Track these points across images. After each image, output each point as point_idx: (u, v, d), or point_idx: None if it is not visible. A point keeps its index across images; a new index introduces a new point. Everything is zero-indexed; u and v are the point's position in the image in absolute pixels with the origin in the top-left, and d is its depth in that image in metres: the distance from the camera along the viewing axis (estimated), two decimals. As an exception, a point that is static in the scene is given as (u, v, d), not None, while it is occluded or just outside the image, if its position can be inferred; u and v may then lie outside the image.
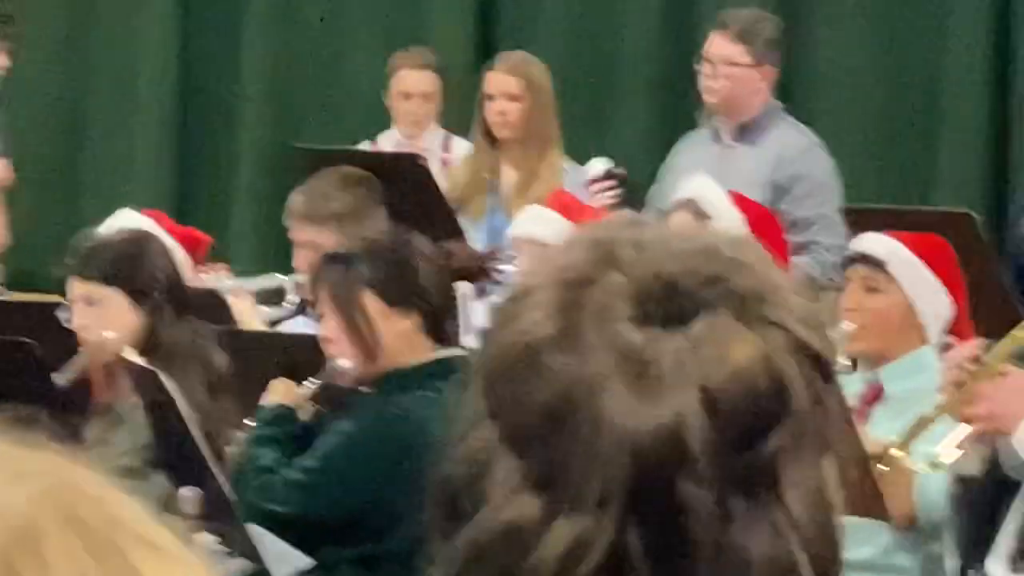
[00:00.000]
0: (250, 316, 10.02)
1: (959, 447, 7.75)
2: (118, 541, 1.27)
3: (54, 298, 8.97)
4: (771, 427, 1.87)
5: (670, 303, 1.90)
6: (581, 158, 12.00)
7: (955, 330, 8.57)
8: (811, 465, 1.91)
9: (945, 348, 8.50)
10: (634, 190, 11.27)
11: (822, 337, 1.95)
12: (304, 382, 8.55)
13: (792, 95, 13.08)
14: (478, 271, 9.53)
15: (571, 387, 1.87)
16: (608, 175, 11.26)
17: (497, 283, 10.01)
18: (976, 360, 7.76)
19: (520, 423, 1.90)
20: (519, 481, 1.89)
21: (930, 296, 8.51)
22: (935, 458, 7.82)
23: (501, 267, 10.09)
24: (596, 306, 1.90)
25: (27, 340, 8.33)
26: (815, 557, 1.89)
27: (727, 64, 11.45)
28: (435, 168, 11.42)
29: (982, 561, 7.91)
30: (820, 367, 1.91)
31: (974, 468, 7.82)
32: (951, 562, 8.20)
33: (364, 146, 12.12)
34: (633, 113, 13.44)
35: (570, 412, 1.87)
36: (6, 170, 12.62)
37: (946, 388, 7.82)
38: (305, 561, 7.85)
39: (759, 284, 1.93)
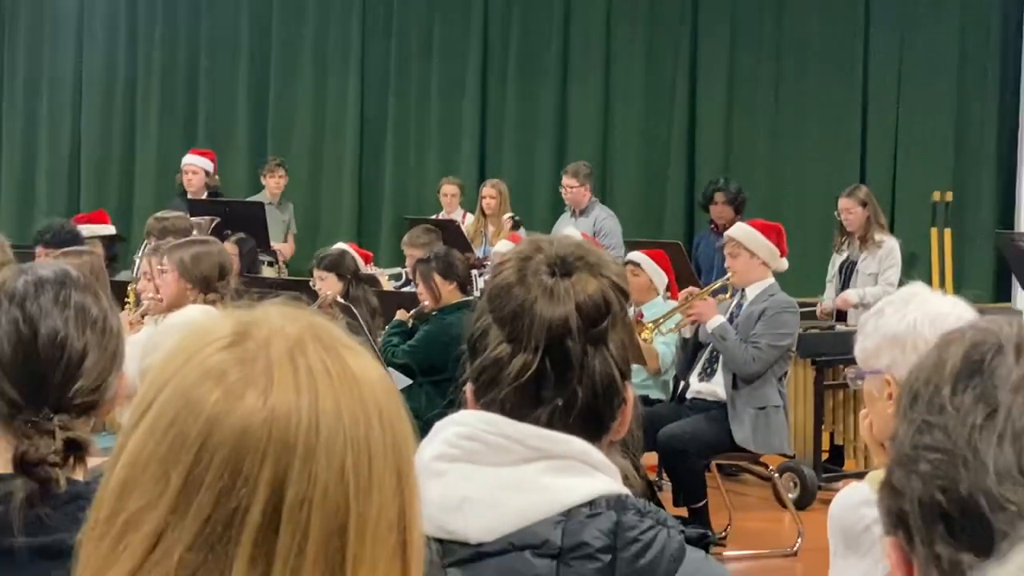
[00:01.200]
0: (387, 285, 10.09)
1: (685, 325, 7.81)
2: (334, 344, 1.22)
3: (307, 279, 8.88)
4: (603, 317, 1.96)
5: (563, 266, 1.98)
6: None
7: (670, 289, 8.70)
8: (619, 333, 1.99)
9: (666, 297, 8.61)
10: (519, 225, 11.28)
11: (623, 280, 2.02)
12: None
13: (604, 186, 13.08)
14: (479, 266, 9.69)
15: (522, 301, 1.95)
16: (511, 217, 11.39)
17: (485, 271, 10.45)
18: (691, 294, 7.83)
19: (500, 314, 1.97)
20: (500, 338, 1.97)
21: (657, 276, 8.56)
22: (670, 330, 8.00)
23: (486, 265, 10.62)
24: (532, 267, 1.98)
25: (298, 294, 8.07)
26: (621, 372, 1.98)
27: (570, 188, 11.38)
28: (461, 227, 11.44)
29: (687, 376, 7.92)
30: (623, 293, 2.01)
31: (689, 335, 7.84)
32: (670, 386, 8.30)
33: (432, 217, 11.74)
34: (542, 205, 13.18)
35: (521, 311, 1.95)
36: (291, 247, 12.25)
37: (682, 300, 7.87)
38: (408, 382, 7.72)
39: (598, 259, 2.01)
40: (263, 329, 1.23)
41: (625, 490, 1.95)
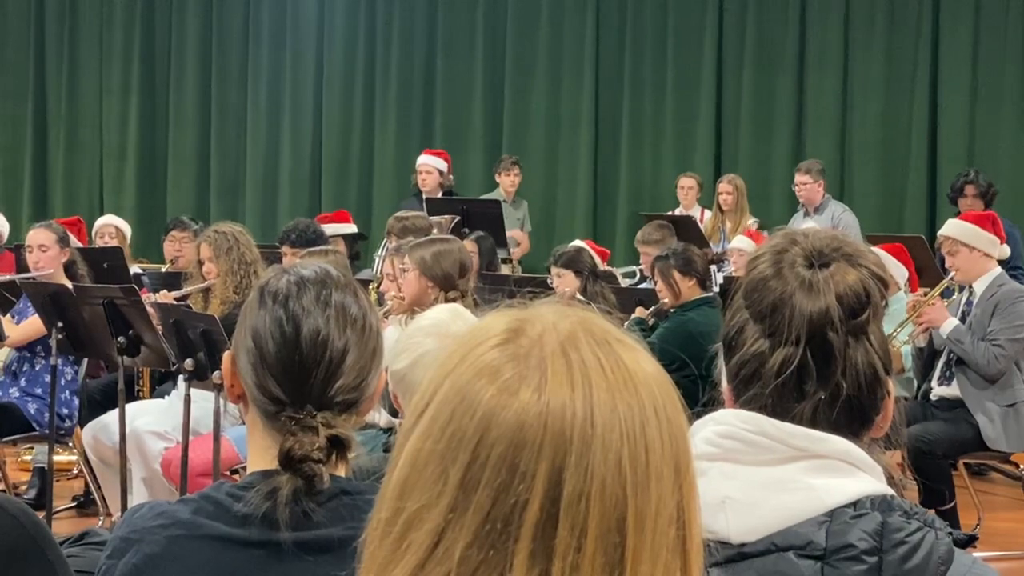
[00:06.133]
0: (621, 282, 10.05)
1: (918, 334, 7.73)
2: (607, 339, 1.22)
3: (544, 276, 8.93)
4: (864, 308, 1.94)
5: (820, 258, 1.97)
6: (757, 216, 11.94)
7: (910, 283, 8.53)
8: (879, 324, 1.98)
9: (907, 291, 8.39)
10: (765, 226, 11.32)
11: (881, 270, 2.00)
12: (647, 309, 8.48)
13: (843, 180, 13.27)
14: (716, 261, 9.80)
15: (779, 295, 1.95)
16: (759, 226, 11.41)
17: (722, 267, 10.35)
18: (919, 302, 7.71)
19: (758, 309, 1.96)
20: (758, 334, 1.96)
21: (897, 270, 8.28)
22: (907, 339, 7.83)
23: (724, 260, 10.63)
24: (788, 260, 1.98)
25: (536, 290, 8.39)
26: (883, 363, 1.97)
27: (803, 185, 11.38)
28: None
29: (928, 381, 7.85)
30: (882, 283, 1.99)
31: (923, 343, 7.78)
32: (915, 383, 8.10)
33: (667, 213, 11.64)
34: (779, 201, 12.97)
35: (780, 304, 1.94)
36: (526, 245, 12.35)
37: (909, 311, 7.72)
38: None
39: (855, 250, 1.99)
40: (536, 326, 1.24)
41: (890, 490, 1.90)
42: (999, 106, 12.86)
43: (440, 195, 11.71)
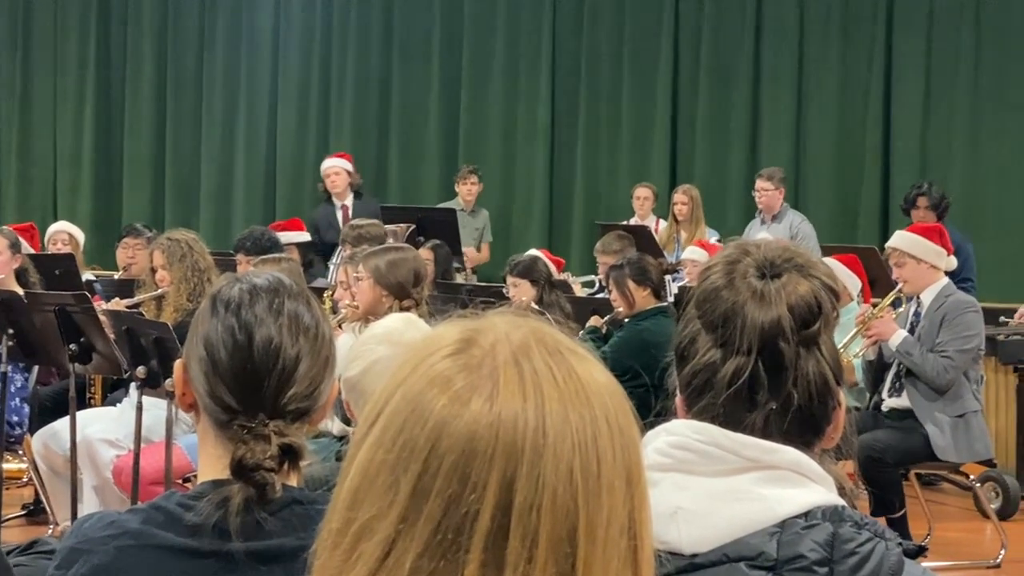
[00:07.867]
0: (580, 292, 10.16)
1: (867, 347, 7.74)
2: (560, 349, 1.21)
3: (500, 285, 8.96)
4: (815, 319, 1.93)
5: (772, 268, 1.96)
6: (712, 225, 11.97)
7: (863, 293, 8.59)
8: (830, 334, 1.97)
9: (859, 302, 8.45)
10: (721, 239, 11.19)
11: (833, 281, 1.98)
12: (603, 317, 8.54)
13: (797, 190, 13.07)
14: (671, 271, 9.84)
15: (731, 305, 1.94)
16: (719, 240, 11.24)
17: (677, 277, 10.26)
18: (867, 316, 7.70)
19: (710, 319, 1.96)
20: (710, 344, 1.95)
21: (850, 281, 8.33)
22: (857, 352, 7.84)
23: (678, 270, 10.63)
24: (740, 271, 1.97)
25: (492, 299, 7.99)
26: (833, 373, 1.96)
27: (764, 191, 11.35)
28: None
29: (879, 392, 7.86)
30: (833, 294, 1.98)
31: (873, 355, 7.79)
32: (866, 395, 8.11)
33: (623, 223, 11.54)
34: (734, 211, 13.02)
35: (732, 314, 1.93)
36: (486, 254, 12.43)
37: (858, 323, 7.72)
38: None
39: (806, 261, 1.99)
40: (488, 336, 1.23)
41: (841, 501, 1.90)
42: (951, 119, 12.91)
43: (351, 195, 11.78)
